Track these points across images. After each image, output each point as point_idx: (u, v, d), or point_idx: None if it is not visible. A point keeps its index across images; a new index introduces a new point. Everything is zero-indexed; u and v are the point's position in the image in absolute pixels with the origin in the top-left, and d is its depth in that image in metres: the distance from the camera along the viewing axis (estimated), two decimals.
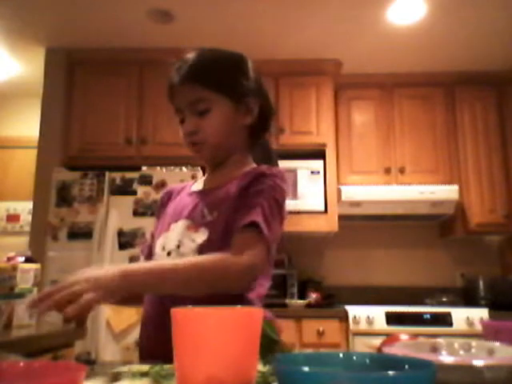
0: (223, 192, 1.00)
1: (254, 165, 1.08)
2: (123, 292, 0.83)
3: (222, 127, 1.01)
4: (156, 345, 0.83)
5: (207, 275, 0.87)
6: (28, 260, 1.61)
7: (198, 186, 1.11)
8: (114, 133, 2.98)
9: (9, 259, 1.62)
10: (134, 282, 0.83)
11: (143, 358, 0.96)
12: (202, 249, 0.94)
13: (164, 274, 0.86)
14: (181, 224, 1.00)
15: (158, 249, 1.02)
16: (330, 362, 0.50)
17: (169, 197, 1.14)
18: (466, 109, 3.25)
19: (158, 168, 2.73)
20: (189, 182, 1.17)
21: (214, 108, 1.00)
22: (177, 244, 0.97)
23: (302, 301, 2.90)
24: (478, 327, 2.54)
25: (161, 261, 0.97)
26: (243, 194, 0.96)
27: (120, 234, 2.58)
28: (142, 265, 0.96)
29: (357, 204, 3.04)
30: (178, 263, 0.88)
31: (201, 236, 0.96)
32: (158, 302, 0.97)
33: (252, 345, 0.51)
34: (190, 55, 1.02)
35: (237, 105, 1.02)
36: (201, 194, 1.05)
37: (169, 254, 0.98)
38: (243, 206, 0.94)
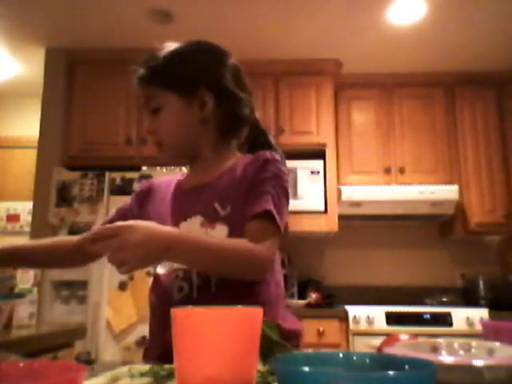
0: (225, 183, 0.99)
1: (240, 154, 1.07)
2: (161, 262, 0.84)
3: (174, 125, 1.00)
4: (162, 345, 0.82)
5: (241, 260, 0.88)
6: None
7: (184, 183, 1.08)
8: (113, 133, 2.98)
9: None
10: (177, 257, 0.85)
11: (147, 359, 0.96)
12: None
13: (207, 250, 0.86)
14: (194, 221, 0.96)
15: None
16: (330, 361, 0.50)
17: (153, 193, 1.10)
18: (466, 109, 3.25)
19: (158, 168, 2.73)
20: (172, 178, 1.12)
21: (164, 106, 0.99)
22: None
23: (302, 301, 2.91)
24: (478, 327, 2.54)
25: (197, 233, 0.94)
26: (251, 182, 0.96)
27: None
28: (187, 236, 0.88)
29: (357, 204, 3.04)
30: (217, 242, 0.89)
31: (220, 232, 0.93)
32: (167, 302, 0.93)
33: (252, 345, 0.51)
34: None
35: (188, 99, 0.99)
36: (197, 189, 1.02)
37: None
38: (253, 194, 0.94)
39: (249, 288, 0.92)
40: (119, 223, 0.81)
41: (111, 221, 1.06)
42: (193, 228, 0.96)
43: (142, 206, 1.09)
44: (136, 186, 1.13)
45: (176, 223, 0.98)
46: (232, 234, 0.93)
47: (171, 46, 1.03)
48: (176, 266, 0.95)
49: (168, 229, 0.87)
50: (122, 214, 1.09)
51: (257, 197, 0.93)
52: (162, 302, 0.96)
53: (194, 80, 0.99)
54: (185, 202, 1.02)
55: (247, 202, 0.94)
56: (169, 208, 1.04)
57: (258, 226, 0.91)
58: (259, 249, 0.88)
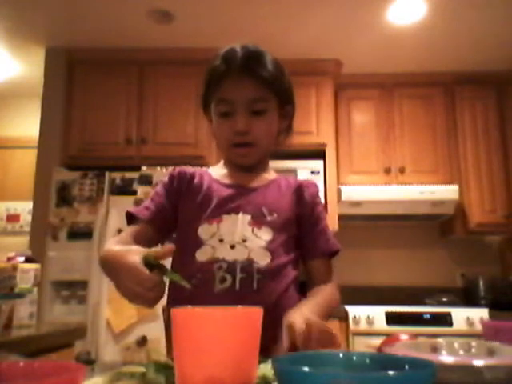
0: (273, 194, 1.06)
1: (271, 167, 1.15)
2: None
3: (270, 131, 1.04)
4: None
5: (334, 306, 1.02)
6: (28, 260, 1.61)
7: (223, 178, 1.09)
8: (114, 133, 2.97)
9: (9, 259, 1.62)
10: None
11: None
12: (268, 246, 0.98)
13: (327, 310, 0.96)
14: (241, 218, 1.00)
15: (207, 237, 0.99)
16: (330, 361, 0.50)
17: (190, 179, 1.08)
18: (466, 109, 3.25)
19: (158, 168, 2.73)
20: (199, 169, 1.12)
21: (269, 111, 1.01)
22: (242, 239, 0.98)
23: None
24: (478, 327, 2.54)
25: (318, 293, 1.00)
26: (311, 212, 1.07)
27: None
28: (316, 303, 0.94)
29: (357, 204, 3.04)
30: (325, 296, 0.99)
31: (265, 234, 0.99)
32: None
33: (252, 345, 0.51)
34: (241, 48, 1.03)
35: (279, 110, 1.04)
36: (243, 189, 1.05)
37: (232, 247, 0.97)
38: (317, 228, 1.06)
39: (285, 288, 1.00)
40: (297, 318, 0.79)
41: (158, 217, 1.04)
42: (238, 223, 1.00)
43: (179, 192, 1.07)
44: (167, 175, 1.11)
45: (217, 214, 1.01)
46: (275, 238, 1.00)
47: (260, 49, 1.07)
48: (217, 255, 0.96)
49: (309, 305, 0.90)
50: (160, 210, 1.05)
51: (322, 233, 1.06)
52: (202, 289, 0.95)
53: (291, 92, 1.07)
54: (230, 197, 1.03)
55: (312, 235, 1.06)
56: (207, 198, 1.04)
57: (329, 265, 1.07)
58: (337, 289, 1.05)
